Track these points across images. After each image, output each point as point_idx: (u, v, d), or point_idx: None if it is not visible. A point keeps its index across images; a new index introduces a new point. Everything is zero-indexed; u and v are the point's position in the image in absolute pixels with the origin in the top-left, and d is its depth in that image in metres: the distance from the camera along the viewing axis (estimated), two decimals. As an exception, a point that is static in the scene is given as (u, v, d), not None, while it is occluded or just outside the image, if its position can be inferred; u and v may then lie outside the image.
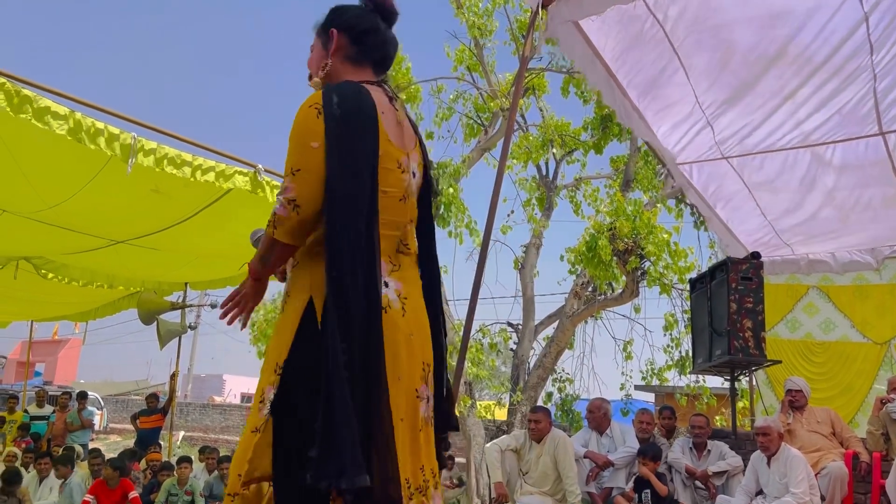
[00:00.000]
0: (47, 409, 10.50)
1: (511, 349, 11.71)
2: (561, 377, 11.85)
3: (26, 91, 3.94)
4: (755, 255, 6.12)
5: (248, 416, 1.87)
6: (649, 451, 5.57)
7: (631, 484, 5.58)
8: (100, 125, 4.28)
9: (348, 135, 1.77)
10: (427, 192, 2.07)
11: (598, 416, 6.08)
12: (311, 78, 2.05)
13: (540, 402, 10.76)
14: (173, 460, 7.91)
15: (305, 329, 1.79)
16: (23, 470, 7.74)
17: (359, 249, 1.75)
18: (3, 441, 9.87)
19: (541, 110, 12.38)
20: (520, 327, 11.71)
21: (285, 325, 1.85)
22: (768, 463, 5.14)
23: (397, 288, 1.88)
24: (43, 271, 7.99)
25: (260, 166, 5.24)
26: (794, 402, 5.90)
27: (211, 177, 4.94)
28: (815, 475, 5.17)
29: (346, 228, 1.74)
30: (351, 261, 1.73)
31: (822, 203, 5.91)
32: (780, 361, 6.80)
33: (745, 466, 5.40)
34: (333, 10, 2.04)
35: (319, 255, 1.77)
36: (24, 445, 9.26)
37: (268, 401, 1.79)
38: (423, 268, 2.04)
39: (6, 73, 3.88)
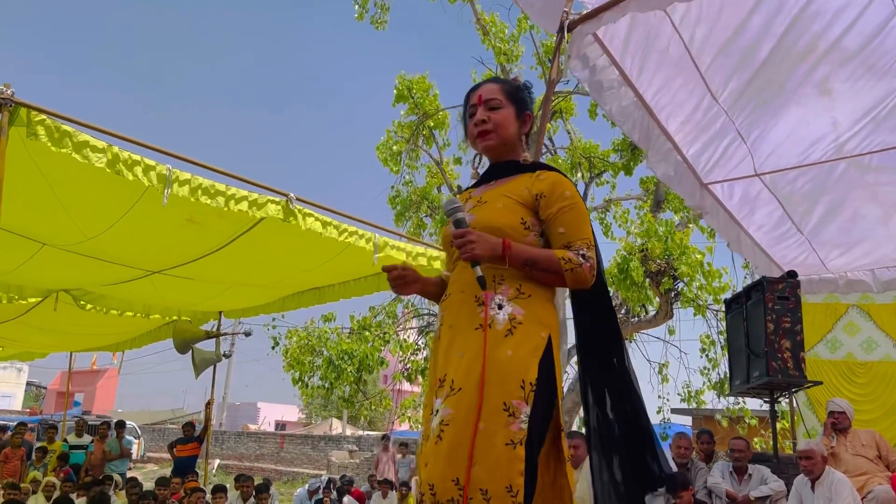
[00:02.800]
0: (86, 439, 10.64)
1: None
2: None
3: (66, 126, 4.06)
4: (791, 274, 6.01)
5: (487, 426, 1.90)
6: (678, 483, 5.43)
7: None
8: (136, 157, 4.39)
9: None
10: None
11: None
12: (486, 132, 2.26)
13: (574, 428, 10.62)
14: (209, 489, 7.94)
15: (546, 360, 2.04)
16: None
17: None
18: (43, 471, 10.00)
19: (569, 133, 12.41)
20: (553, 351, 11.60)
21: (528, 349, 2.02)
22: (812, 487, 5.01)
23: None
24: (81, 302, 8.14)
25: (292, 195, 5.30)
26: (838, 424, 5.75)
27: (244, 206, 5.01)
28: (861, 499, 5.02)
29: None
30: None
31: (861, 200, 5.68)
32: (820, 382, 6.64)
33: (788, 491, 5.26)
34: (523, 90, 2.34)
35: (550, 301, 2.16)
36: (62, 475, 9.38)
37: (525, 415, 1.93)
38: None
39: (47, 110, 4.01)
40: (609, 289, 2.33)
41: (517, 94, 2.30)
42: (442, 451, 1.92)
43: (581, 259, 2.09)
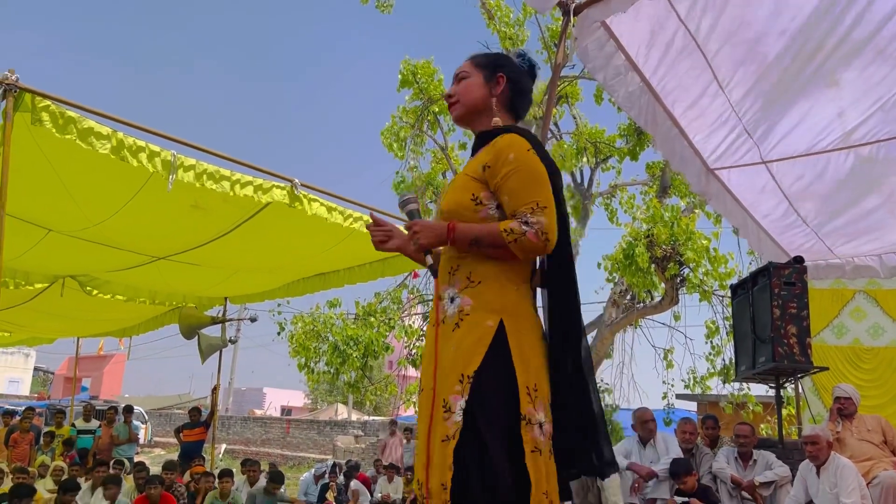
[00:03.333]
0: (94, 424, 10.72)
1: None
2: (600, 387, 11.73)
3: (70, 112, 4.05)
4: (798, 260, 5.99)
5: (433, 428, 1.94)
6: (681, 469, 5.44)
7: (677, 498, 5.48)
8: (141, 143, 4.39)
9: (556, 181, 2.06)
10: None
11: (651, 426, 5.99)
12: (454, 104, 2.22)
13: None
14: (216, 472, 8.00)
15: (497, 347, 1.93)
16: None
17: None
18: (52, 455, 10.09)
19: (574, 118, 12.35)
20: (557, 337, 11.60)
21: (471, 340, 1.95)
22: (818, 473, 5.01)
23: None
24: (88, 288, 8.18)
25: (297, 180, 5.29)
26: (844, 409, 5.74)
27: (249, 191, 5.01)
28: (867, 485, 5.02)
29: (574, 278, 2.08)
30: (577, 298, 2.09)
31: (866, 192, 5.68)
32: (826, 368, 6.62)
33: (793, 476, 5.27)
34: (503, 57, 2.26)
35: (510, 282, 2.01)
36: (68, 460, 9.45)
37: (459, 409, 1.90)
38: None
39: (52, 95, 4.00)
40: (576, 274, 2.07)
41: (487, 61, 2.22)
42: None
43: (524, 227, 1.91)
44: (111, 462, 8.91)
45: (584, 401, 2.02)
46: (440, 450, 1.89)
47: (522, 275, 2.04)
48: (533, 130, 11.99)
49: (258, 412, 34.69)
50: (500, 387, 1.90)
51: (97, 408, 13.85)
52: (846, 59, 4.06)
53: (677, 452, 5.75)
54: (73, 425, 10.74)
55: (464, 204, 2.03)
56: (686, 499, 5.34)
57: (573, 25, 3.78)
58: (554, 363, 2.01)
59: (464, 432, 1.87)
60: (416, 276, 11.41)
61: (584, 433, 2.00)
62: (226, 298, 9.34)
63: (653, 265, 8.87)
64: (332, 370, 11.73)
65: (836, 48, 3.93)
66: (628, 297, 10.78)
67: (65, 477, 8.17)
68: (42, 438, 10.58)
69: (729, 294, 7.62)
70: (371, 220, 2.30)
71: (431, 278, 2.31)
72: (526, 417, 1.89)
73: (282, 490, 8.73)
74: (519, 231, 1.91)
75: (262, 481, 8.45)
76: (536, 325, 2.03)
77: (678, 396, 12.64)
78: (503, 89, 2.17)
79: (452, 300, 2.02)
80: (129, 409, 11.04)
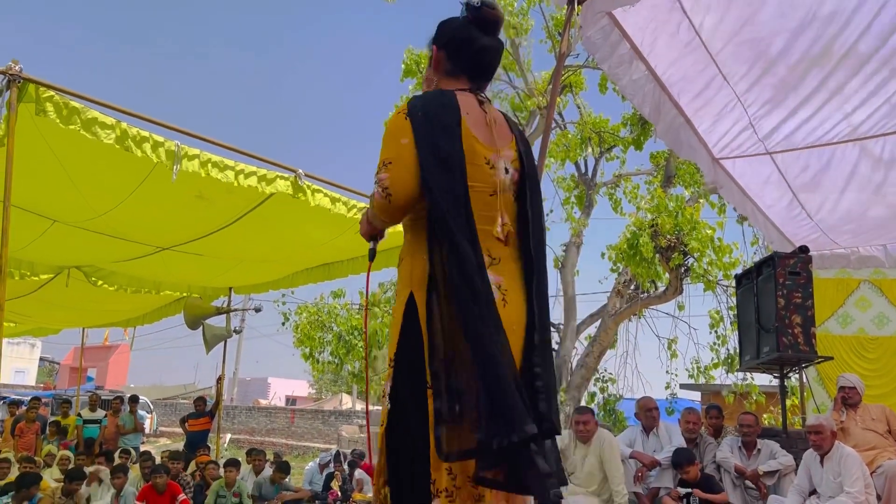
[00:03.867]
0: (100, 413, 10.76)
1: (553, 349, 11.65)
2: (604, 377, 11.75)
3: (74, 103, 4.05)
4: (803, 249, 5.98)
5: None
6: (683, 458, 5.45)
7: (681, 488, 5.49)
8: (145, 133, 4.39)
9: (433, 132, 1.88)
10: (523, 188, 2.06)
11: (655, 414, 6.01)
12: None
13: (583, 403, 10.67)
14: (221, 462, 8.04)
15: (408, 323, 1.90)
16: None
17: (464, 237, 1.82)
18: (58, 445, 10.13)
19: (578, 107, 12.30)
20: (561, 327, 11.63)
21: (394, 322, 1.97)
22: (821, 462, 5.02)
23: (497, 281, 1.91)
24: (93, 279, 8.20)
25: (300, 171, 5.29)
26: (848, 399, 5.74)
27: (253, 181, 5.02)
28: (871, 474, 5.02)
29: (451, 216, 1.83)
30: (460, 246, 1.80)
31: (871, 201, 5.72)
32: (831, 358, 6.62)
33: (797, 465, 5.28)
34: (437, 28, 2.15)
35: (417, 251, 1.92)
36: (61, 448, 9.49)
37: (386, 394, 1.93)
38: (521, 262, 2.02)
39: (56, 86, 4.00)
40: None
41: (434, 35, 2.15)
42: None
43: (374, 188, 1.90)
44: (117, 451, 8.95)
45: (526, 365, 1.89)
46: (378, 436, 1.94)
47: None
48: (537, 121, 11.97)
49: (263, 402, 34.81)
50: (412, 360, 1.88)
51: (103, 398, 13.91)
52: (851, 65, 4.05)
53: (680, 441, 5.75)
54: (79, 415, 10.79)
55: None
56: (689, 489, 5.36)
57: (578, 14, 3.76)
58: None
59: (391, 415, 1.90)
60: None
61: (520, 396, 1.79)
62: (230, 289, 9.36)
63: (657, 255, 8.86)
64: (336, 360, 11.76)
65: (843, 56, 3.93)
66: (632, 286, 10.77)
67: (71, 466, 8.23)
68: (48, 428, 10.64)
69: (733, 284, 7.62)
70: None
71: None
72: (431, 385, 1.82)
73: (287, 479, 8.77)
74: (371, 194, 1.94)
75: (268, 470, 8.49)
76: (454, 289, 1.80)
77: (682, 386, 12.67)
78: (437, 60, 2.11)
79: (395, 284, 2.10)
80: (134, 399, 11.08)
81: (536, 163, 2.29)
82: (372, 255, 2.22)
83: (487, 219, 1.94)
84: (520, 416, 1.71)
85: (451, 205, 1.84)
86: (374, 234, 2.15)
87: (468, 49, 2.08)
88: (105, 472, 7.52)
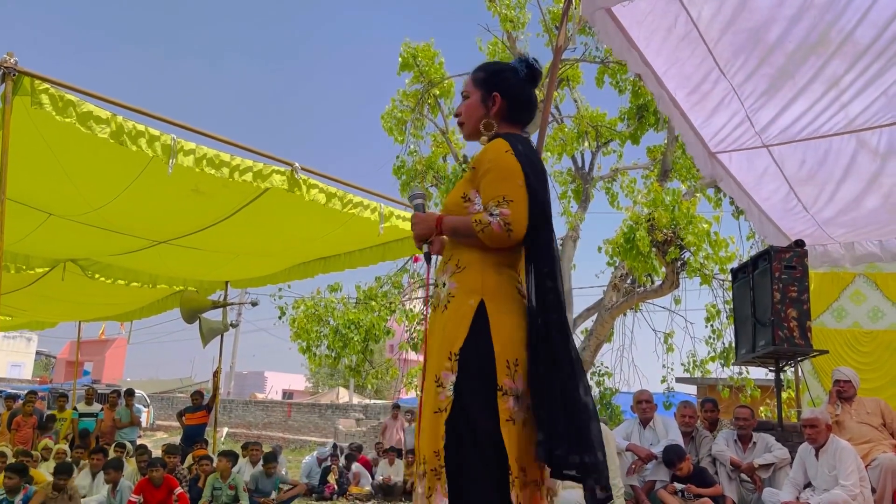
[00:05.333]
0: (96, 407, 10.75)
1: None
2: (600, 371, 11.76)
3: (69, 96, 4.04)
4: (799, 243, 5.99)
5: (426, 401, 2.17)
6: (673, 456, 5.46)
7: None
8: (140, 127, 4.37)
9: (538, 181, 2.22)
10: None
11: (645, 407, 6.03)
12: (461, 124, 2.46)
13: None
14: (216, 457, 8.05)
15: (477, 325, 2.13)
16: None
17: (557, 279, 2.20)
18: (55, 438, 10.13)
19: (575, 101, 12.29)
20: (558, 321, 11.61)
21: (457, 319, 2.16)
22: (816, 455, 5.04)
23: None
24: (89, 272, 8.19)
25: (297, 165, 5.28)
26: (843, 392, 5.77)
27: (249, 176, 5.00)
28: (865, 467, 5.05)
29: (557, 261, 2.23)
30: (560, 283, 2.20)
31: (866, 192, 5.73)
32: (826, 351, 6.64)
33: (792, 458, 5.30)
34: (497, 73, 2.41)
35: (491, 267, 2.20)
36: (41, 440, 9.47)
37: (450, 383, 2.11)
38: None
39: (51, 79, 3.98)
40: (557, 270, 2.20)
41: (484, 78, 2.40)
42: (417, 427, 2.25)
43: (489, 218, 2.12)
44: (113, 445, 8.96)
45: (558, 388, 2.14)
46: (433, 420, 2.11)
47: (506, 261, 2.23)
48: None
49: (260, 396, 34.85)
50: (481, 361, 2.10)
51: (99, 391, 13.90)
52: (848, 55, 4.05)
53: (676, 435, 5.78)
54: (74, 409, 10.78)
55: (456, 201, 2.29)
56: (684, 485, 5.38)
57: (575, 8, 3.76)
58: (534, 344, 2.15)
59: (455, 405, 2.09)
60: (416, 260, 11.42)
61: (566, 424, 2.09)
62: (227, 282, 9.35)
63: (653, 249, 8.86)
64: (333, 354, 11.75)
65: (840, 45, 3.93)
66: (629, 280, 10.78)
67: (67, 460, 8.23)
68: (45, 422, 10.63)
69: (729, 278, 7.62)
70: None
71: (431, 264, 2.49)
72: (502, 388, 2.07)
73: (283, 472, 8.79)
74: (486, 221, 2.12)
75: (260, 464, 8.51)
76: (519, 307, 2.20)
77: (678, 380, 12.69)
78: (499, 108, 2.35)
79: (444, 285, 2.27)
80: (130, 393, 11.08)
81: None
82: (428, 258, 2.39)
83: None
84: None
85: (555, 252, 2.24)
86: (440, 234, 2.36)
87: (527, 104, 2.41)
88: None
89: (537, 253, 2.21)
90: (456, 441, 2.06)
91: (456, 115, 2.49)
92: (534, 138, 3.83)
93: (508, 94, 2.36)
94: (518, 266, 2.27)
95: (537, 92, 2.49)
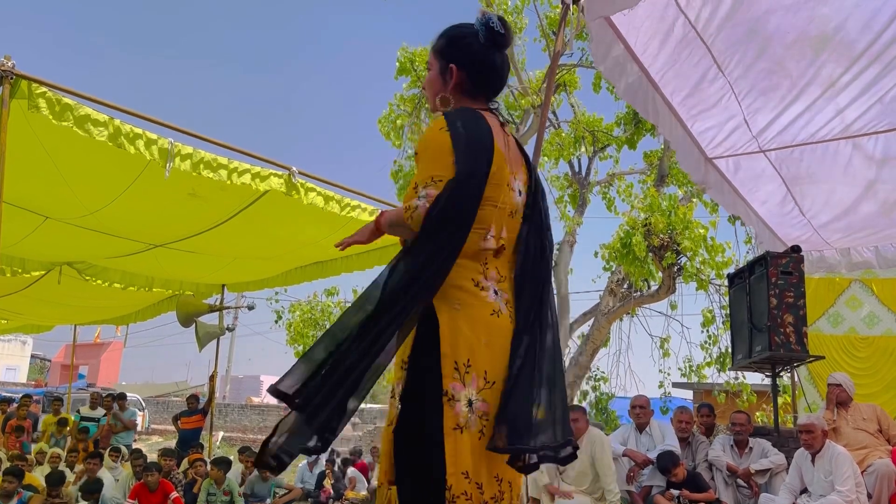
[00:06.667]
0: (99, 412, 10.70)
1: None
2: (596, 376, 11.77)
3: (66, 99, 4.03)
4: (795, 249, 6.00)
5: (388, 415, 2.00)
6: (668, 462, 5.46)
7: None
8: (138, 131, 4.37)
9: (472, 154, 1.93)
10: (530, 212, 2.13)
11: (647, 412, 6.03)
12: (428, 101, 2.23)
13: (575, 401, 10.69)
14: (209, 461, 8.02)
15: (425, 325, 1.92)
16: (67, 471, 7.92)
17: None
18: (54, 442, 10.06)
19: (572, 106, 12.33)
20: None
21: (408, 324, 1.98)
22: (813, 461, 5.05)
23: (505, 297, 2.02)
24: (85, 276, 8.17)
25: (294, 169, 5.28)
26: (837, 397, 5.78)
27: (246, 179, 5.00)
28: (861, 472, 5.05)
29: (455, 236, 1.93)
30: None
31: (863, 197, 5.75)
32: (822, 357, 6.66)
33: (789, 464, 5.30)
34: (453, 41, 2.14)
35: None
36: (14, 442, 9.41)
37: (398, 395, 1.94)
38: (524, 284, 2.08)
39: (49, 82, 3.98)
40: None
41: (440, 49, 2.16)
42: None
43: (417, 201, 1.88)
44: (108, 450, 8.92)
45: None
46: (385, 435, 1.96)
47: (465, 250, 1.94)
48: (531, 120, 11.98)
49: (256, 400, 34.69)
50: (428, 365, 1.90)
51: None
52: (844, 59, 4.06)
53: (673, 440, 5.78)
54: (77, 412, 10.72)
55: (408, 195, 1.99)
56: (678, 491, 5.38)
57: (573, 14, 3.77)
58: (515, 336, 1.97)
59: (402, 416, 1.91)
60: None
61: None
62: (223, 286, 9.33)
63: (650, 254, 8.88)
64: (329, 358, 11.73)
65: (838, 42, 3.94)
66: (625, 285, 10.79)
67: (61, 464, 8.20)
68: (39, 425, 10.59)
69: (726, 283, 7.64)
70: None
71: None
72: (448, 393, 1.86)
73: (278, 476, 8.75)
74: (413, 206, 1.88)
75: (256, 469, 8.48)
76: (475, 300, 1.94)
77: (675, 385, 12.71)
78: (456, 81, 2.11)
79: None
80: (121, 397, 11.02)
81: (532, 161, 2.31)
82: None
83: (509, 239, 2.05)
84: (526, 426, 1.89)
85: (462, 224, 1.93)
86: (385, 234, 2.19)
87: (490, 73, 2.13)
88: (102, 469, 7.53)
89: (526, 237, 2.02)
90: (399, 454, 1.92)
91: (422, 90, 2.33)
92: (532, 143, 3.84)
93: (466, 65, 2.10)
94: (482, 254, 1.99)
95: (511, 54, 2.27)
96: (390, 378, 2.06)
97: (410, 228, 1.90)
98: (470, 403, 1.86)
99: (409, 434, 1.90)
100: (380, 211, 2.15)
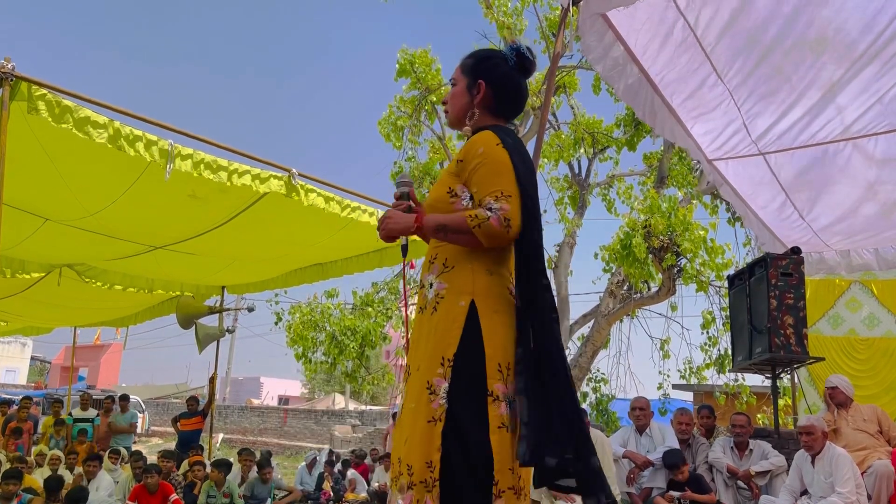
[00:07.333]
0: (91, 413, 10.70)
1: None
2: (596, 377, 11.76)
3: (66, 101, 4.03)
4: (795, 251, 6.00)
5: (416, 409, 2.03)
6: (677, 459, 5.46)
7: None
8: (138, 132, 4.37)
9: (527, 175, 2.09)
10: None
11: (647, 414, 6.03)
12: (447, 112, 2.33)
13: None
14: (208, 462, 8.01)
15: (469, 328, 2.02)
16: (67, 473, 7.91)
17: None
18: (54, 444, 10.05)
19: (572, 108, 12.33)
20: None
21: (448, 322, 2.05)
22: (813, 462, 5.04)
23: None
24: (85, 278, 8.16)
25: (294, 170, 5.28)
26: (833, 398, 5.79)
27: (246, 180, 5.00)
28: (861, 474, 5.05)
29: (541, 258, 2.11)
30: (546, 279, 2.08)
31: (863, 199, 5.75)
32: (822, 359, 6.66)
33: (789, 466, 5.30)
34: (484, 60, 2.27)
35: (482, 266, 2.08)
36: (13, 445, 9.38)
37: (443, 390, 1.99)
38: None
39: (48, 84, 3.98)
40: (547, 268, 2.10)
41: (472, 65, 2.27)
42: (395, 432, 2.14)
43: (487, 213, 1.98)
44: (107, 452, 8.91)
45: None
46: (426, 430, 1.97)
47: (497, 260, 2.11)
48: (531, 121, 11.99)
49: (255, 402, 34.69)
50: (473, 365, 1.99)
51: (94, 397, 13.83)
52: (844, 60, 4.06)
53: (673, 442, 5.77)
54: (69, 414, 10.72)
55: (440, 197, 2.14)
56: (680, 493, 5.38)
57: (573, 16, 3.77)
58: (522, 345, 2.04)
59: (448, 413, 1.97)
60: (412, 266, 11.43)
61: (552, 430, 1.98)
62: (223, 288, 9.33)
63: (650, 255, 8.88)
64: (329, 360, 11.74)
65: (837, 44, 3.94)
66: (625, 287, 10.79)
67: (61, 466, 8.18)
68: (39, 427, 10.57)
69: (726, 285, 7.64)
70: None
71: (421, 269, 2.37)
72: (493, 394, 1.97)
73: (278, 477, 8.74)
74: (483, 217, 1.98)
75: (255, 470, 8.47)
76: (510, 307, 2.08)
77: (674, 387, 12.70)
78: (483, 97, 2.22)
79: (431, 286, 2.13)
80: (124, 398, 11.02)
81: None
82: (404, 250, 2.33)
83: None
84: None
85: (541, 246, 2.13)
86: (425, 235, 2.24)
87: (516, 94, 2.27)
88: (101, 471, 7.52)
89: (531, 251, 2.08)
90: (447, 452, 1.95)
91: (443, 104, 2.37)
92: (532, 144, 3.84)
93: (494, 83, 2.22)
94: (508, 265, 2.13)
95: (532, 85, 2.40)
96: (411, 379, 2.10)
97: (470, 237, 2.01)
98: (510, 404, 1.98)
99: (457, 431, 1.96)
100: (416, 214, 2.20)
